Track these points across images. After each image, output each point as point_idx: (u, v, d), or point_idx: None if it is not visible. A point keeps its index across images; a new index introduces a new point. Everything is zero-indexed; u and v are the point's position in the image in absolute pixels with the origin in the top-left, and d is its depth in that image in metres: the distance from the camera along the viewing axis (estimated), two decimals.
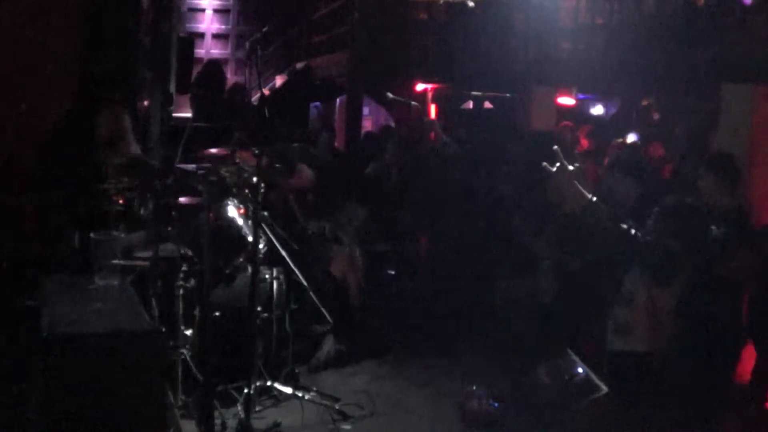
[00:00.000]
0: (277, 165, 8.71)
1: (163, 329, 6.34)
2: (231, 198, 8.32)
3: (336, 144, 16.89)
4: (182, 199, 8.25)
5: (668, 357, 7.09)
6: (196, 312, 7.81)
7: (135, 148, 8.86)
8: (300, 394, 8.05)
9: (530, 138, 11.68)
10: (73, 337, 4.67)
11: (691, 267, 7.17)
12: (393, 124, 17.23)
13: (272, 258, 8.33)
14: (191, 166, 8.30)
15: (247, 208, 8.15)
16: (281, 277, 8.39)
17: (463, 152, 12.40)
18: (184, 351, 7.67)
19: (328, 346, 9.32)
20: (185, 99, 16.30)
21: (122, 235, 6.06)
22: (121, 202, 7.88)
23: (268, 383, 8.08)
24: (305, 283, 8.38)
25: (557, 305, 9.27)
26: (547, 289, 9.66)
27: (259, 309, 7.78)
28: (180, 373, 7.61)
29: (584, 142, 13.87)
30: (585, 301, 8.84)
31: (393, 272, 11.10)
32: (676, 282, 7.03)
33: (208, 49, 23.30)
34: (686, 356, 7.86)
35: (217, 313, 7.89)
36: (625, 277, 7.22)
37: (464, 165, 12.13)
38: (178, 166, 9.74)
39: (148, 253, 7.49)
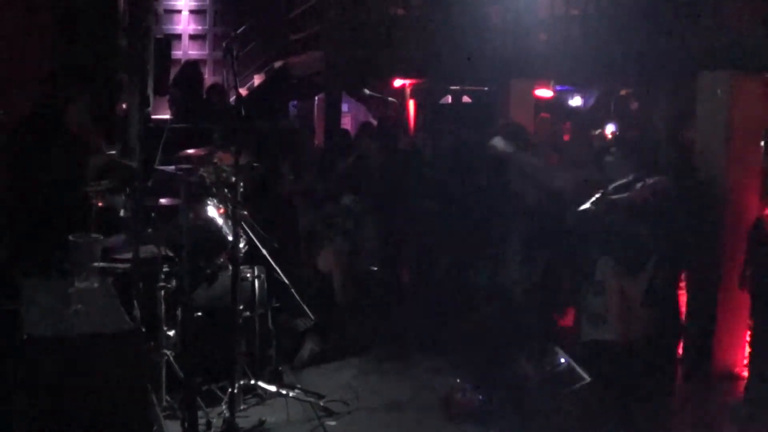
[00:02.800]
0: (256, 165, 8.73)
1: (144, 330, 6.34)
2: (210, 198, 8.32)
3: (315, 141, 16.91)
4: (162, 200, 8.24)
5: (641, 345, 7.14)
6: (179, 312, 7.80)
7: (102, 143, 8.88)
8: (284, 392, 8.06)
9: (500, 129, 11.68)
10: (53, 339, 4.67)
11: (659, 254, 7.24)
12: (372, 121, 17.24)
13: (253, 256, 8.33)
14: (171, 168, 8.29)
15: (226, 208, 8.15)
16: (262, 275, 8.39)
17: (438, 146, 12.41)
18: (167, 352, 7.67)
19: (312, 343, 9.33)
20: (164, 100, 16.27)
21: (101, 237, 6.04)
22: (100, 204, 7.88)
23: (252, 382, 8.08)
24: (286, 280, 8.38)
25: (530, 298, 9.30)
26: (518, 281, 9.70)
27: (241, 308, 7.78)
28: (164, 374, 7.61)
29: (567, 137, 13.91)
30: (557, 293, 8.89)
31: (375, 268, 11.09)
32: (645, 270, 7.09)
33: (186, 50, 23.22)
34: (658, 345, 7.93)
35: (199, 313, 7.91)
36: (596, 267, 7.27)
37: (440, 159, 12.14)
38: (158, 167, 9.73)
39: (128, 255, 7.49)
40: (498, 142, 9.10)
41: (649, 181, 7.50)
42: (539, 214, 8.98)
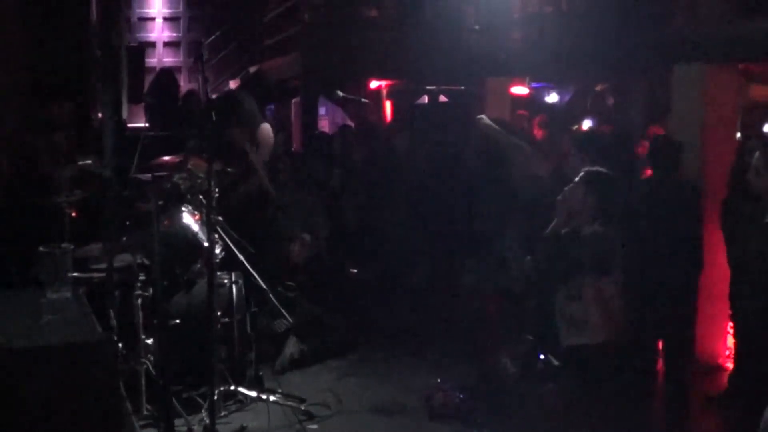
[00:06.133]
0: (230, 170, 8.69)
1: (116, 339, 6.29)
2: (185, 204, 8.28)
3: (293, 145, 16.91)
4: (138, 208, 8.21)
5: (623, 346, 7.12)
6: (156, 320, 7.76)
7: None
8: (265, 397, 8.02)
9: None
10: (23, 350, 4.64)
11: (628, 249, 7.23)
12: (350, 123, 17.23)
13: (230, 262, 8.28)
14: (146, 176, 8.26)
15: (201, 214, 8.11)
16: (240, 281, 8.35)
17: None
18: (146, 360, 7.63)
19: (291, 347, 9.30)
20: (140, 108, 16.24)
21: (71, 247, 6.00)
22: (74, 214, 7.84)
23: (233, 387, 8.05)
24: (263, 285, 8.34)
25: (528, 294, 9.28)
26: (516, 278, 9.67)
27: (219, 314, 7.74)
28: (143, 383, 7.58)
29: (537, 133, 13.88)
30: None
31: (355, 270, 11.08)
32: (618, 268, 7.08)
33: (160, 58, 23.18)
34: (641, 342, 7.92)
35: (177, 321, 7.87)
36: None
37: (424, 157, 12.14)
38: (134, 175, 9.69)
39: (104, 264, 7.46)
40: (486, 119, 9.12)
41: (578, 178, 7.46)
42: (534, 211, 8.96)
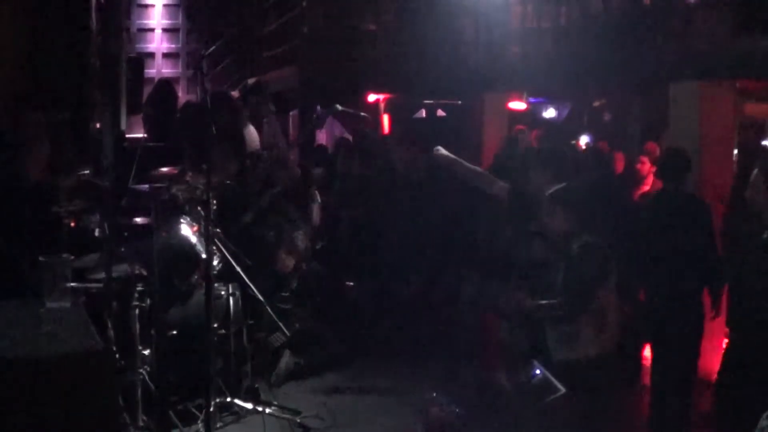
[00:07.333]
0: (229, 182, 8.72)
1: (116, 349, 6.29)
2: (184, 216, 8.30)
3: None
4: (136, 219, 8.21)
5: (618, 358, 7.12)
6: (153, 331, 7.77)
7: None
8: (261, 409, 8.03)
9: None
10: (22, 360, 4.64)
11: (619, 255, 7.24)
12: (348, 136, 17.24)
13: (227, 274, 8.29)
14: (144, 186, 8.27)
15: (200, 226, 8.13)
16: (237, 292, 8.36)
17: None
18: (143, 371, 7.63)
19: (286, 359, 9.30)
20: (138, 119, 16.23)
21: (70, 257, 6.01)
22: (72, 224, 7.84)
23: (229, 399, 8.06)
24: (261, 297, 8.34)
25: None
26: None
27: (215, 325, 7.75)
28: (140, 393, 7.58)
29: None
30: None
31: (352, 283, 11.07)
32: (611, 276, 7.09)
33: (159, 69, 23.14)
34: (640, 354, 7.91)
35: (174, 332, 7.88)
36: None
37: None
38: (132, 186, 9.70)
39: (102, 275, 7.46)
40: (443, 150, 9.20)
41: None
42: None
